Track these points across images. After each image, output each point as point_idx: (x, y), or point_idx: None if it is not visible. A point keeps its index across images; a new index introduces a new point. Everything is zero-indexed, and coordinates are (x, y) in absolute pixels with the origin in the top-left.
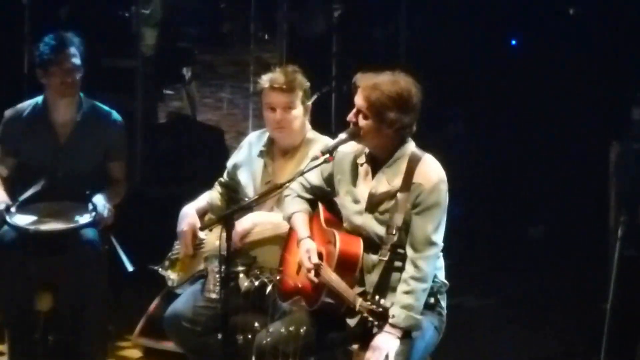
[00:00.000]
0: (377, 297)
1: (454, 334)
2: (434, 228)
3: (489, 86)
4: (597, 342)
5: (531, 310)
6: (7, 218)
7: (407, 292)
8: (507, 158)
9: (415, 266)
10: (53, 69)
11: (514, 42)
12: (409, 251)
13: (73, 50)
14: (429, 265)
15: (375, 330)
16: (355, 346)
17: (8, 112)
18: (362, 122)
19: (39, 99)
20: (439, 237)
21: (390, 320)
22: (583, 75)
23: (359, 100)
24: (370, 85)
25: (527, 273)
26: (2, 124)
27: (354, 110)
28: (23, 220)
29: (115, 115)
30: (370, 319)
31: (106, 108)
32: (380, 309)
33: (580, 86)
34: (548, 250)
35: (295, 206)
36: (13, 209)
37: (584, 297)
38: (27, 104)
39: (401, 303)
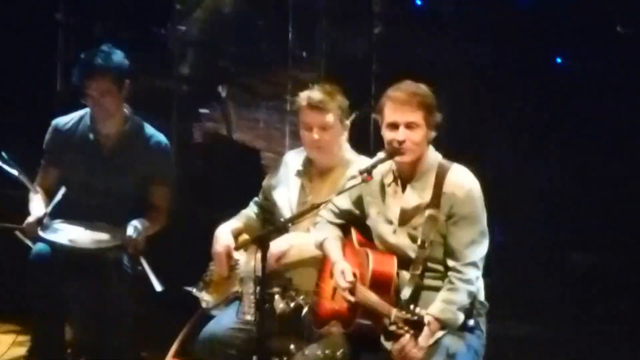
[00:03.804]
0: (411, 306)
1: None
2: (471, 239)
3: (532, 106)
4: None
5: (577, 339)
6: (40, 231)
7: (449, 289)
8: (551, 182)
9: (458, 271)
10: (86, 91)
11: (558, 60)
12: (450, 262)
13: (103, 72)
14: (471, 272)
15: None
16: None
17: (55, 122)
18: (414, 135)
19: (88, 110)
20: (477, 251)
21: (429, 311)
22: (632, 96)
23: (404, 114)
24: (409, 95)
25: (572, 301)
26: (48, 133)
27: (400, 128)
28: (55, 235)
29: (161, 137)
30: (406, 328)
31: (153, 129)
32: (416, 317)
33: (629, 107)
34: (594, 279)
35: (325, 232)
36: (46, 221)
37: (632, 328)
38: (75, 115)
39: (442, 297)
